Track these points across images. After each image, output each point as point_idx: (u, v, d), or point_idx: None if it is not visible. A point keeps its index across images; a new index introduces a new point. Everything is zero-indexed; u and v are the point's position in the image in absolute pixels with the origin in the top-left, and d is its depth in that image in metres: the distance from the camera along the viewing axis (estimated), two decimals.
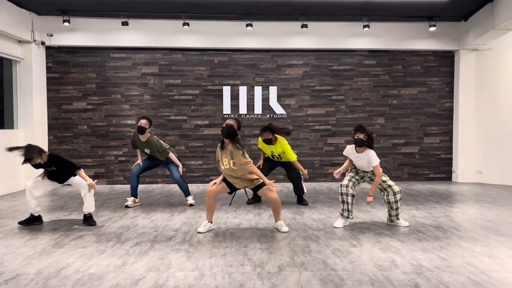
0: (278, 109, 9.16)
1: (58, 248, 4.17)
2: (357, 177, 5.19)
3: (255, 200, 6.65)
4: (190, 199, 6.51)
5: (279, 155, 6.33)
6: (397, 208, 5.11)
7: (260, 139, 6.30)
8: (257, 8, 8.22)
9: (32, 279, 3.34)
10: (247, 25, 8.56)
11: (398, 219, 5.17)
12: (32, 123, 8.26)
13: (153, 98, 9.01)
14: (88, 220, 5.25)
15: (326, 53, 9.24)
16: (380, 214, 5.84)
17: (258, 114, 9.15)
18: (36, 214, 5.21)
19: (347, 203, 5.03)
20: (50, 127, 8.84)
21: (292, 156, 6.28)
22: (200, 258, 3.85)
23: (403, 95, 9.37)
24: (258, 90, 9.12)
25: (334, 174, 5.21)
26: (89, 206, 5.23)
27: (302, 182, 6.52)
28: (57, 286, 3.18)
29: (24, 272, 3.48)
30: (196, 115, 9.10)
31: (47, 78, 8.80)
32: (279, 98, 9.19)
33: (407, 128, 9.39)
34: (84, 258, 3.85)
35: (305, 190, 6.61)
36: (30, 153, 4.85)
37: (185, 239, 4.52)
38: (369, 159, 4.97)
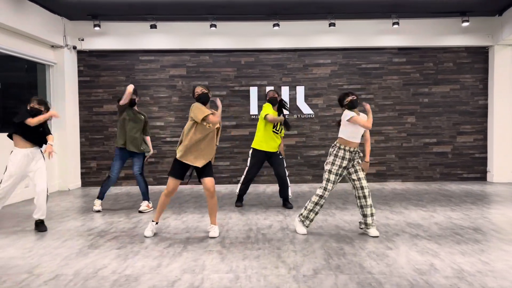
0: (306, 109, 9.08)
1: (94, 249, 4.24)
2: (338, 177, 4.67)
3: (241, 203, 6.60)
4: (144, 205, 6.17)
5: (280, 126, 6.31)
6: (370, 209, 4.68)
7: (266, 105, 6.27)
8: (284, 7, 8.17)
9: (71, 279, 3.39)
10: (274, 25, 8.51)
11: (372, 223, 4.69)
12: (65, 125, 8.46)
13: (181, 99, 9.08)
14: (40, 226, 5.06)
15: (354, 52, 9.10)
16: (414, 215, 5.70)
17: (286, 114, 9.06)
18: None
19: (310, 214, 4.72)
20: (82, 130, 9.03)
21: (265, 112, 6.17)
22: (233, 260, 3.83)
23: (435, 93, 9.13)
24: (285, 90, 9.06)
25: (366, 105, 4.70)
26: (42, 210, 5.00)
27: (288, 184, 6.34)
28: (95, 287, 3.22)
29: (62, 273, 3.55)
30: (224, 116, 9.10)
31: (79, 81, 9.00)
32: (307, 97, 9.11)
33: (439, 126, 9.15)
34: (119, 259, 3.89)
35: (290, 194, 6.39)
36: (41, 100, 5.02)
37: (217, 240, 4.52)
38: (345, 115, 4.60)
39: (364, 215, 4.66)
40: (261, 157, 6.31)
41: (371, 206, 4.64)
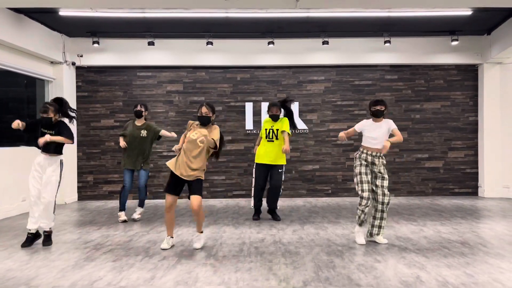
0: (300, 124, 9.24)
1: (90, 262, 4.33)
2: (369, 177, 4.96)
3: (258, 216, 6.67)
4: (137, 212, 6.61)
5: (277, 130, 6.43)
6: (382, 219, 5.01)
7: (265, 119, 6.63)
8: (279, 26, 8.40)
9: None
10: (269, 43, 8.73)
11: (378, 233, 5.06)
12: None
13: (177, 115, 9.24)
14: (47, 238, 5.02)
15: (347, 69, 9.33)
16: (404, 229, 5.82)
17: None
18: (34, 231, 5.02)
19: (361, 218, 5.00)
20: (79, 144, 9.15)
21: (287, 127, 6.46)
22: (226, 273, 3.94)
23: (426, 109, 9.33)
24: None
25: (340, 135, 5.03)
26: (50, 219, 4.99)
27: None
28: None
29: (59, 285, 3.64)
30: (220, 131, 9.26)
31: (77, 96, 9.16)
32: (301, 113, 9.28)
33: (431, 142, 9.32)
34: (115, 272, 3.99)
35: (277, 206, 6.64)
36: (49, 105, 5.01)
37: (210, 253, 4.63)
38: (389, 124, 4.98)
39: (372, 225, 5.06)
40: (261, 169, 6.49)
41: (381, 219, 4.99)
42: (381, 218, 5.00)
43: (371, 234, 5.10)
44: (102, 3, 6.68)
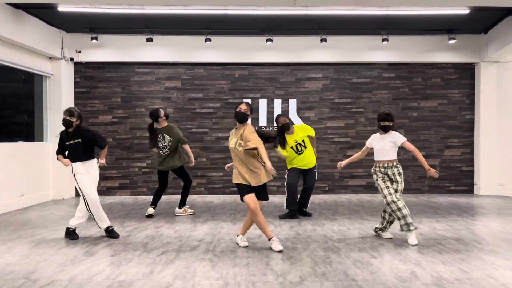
0: (298, 122, 9.27)
1: (89, 256, 4.36)
2: (389, 183, 5.00)
3: (290, 215, 6.50)
4: (187, 209, 6.87)
5: (302, 140, 6.36)
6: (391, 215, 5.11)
7: (288, 137, 6.38)
8: (278, 23, 8.43)
9: (66, 285, 3.52)
10: (267, 40, 8.76)
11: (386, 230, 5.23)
12: None
13: (175, 111, 9.26)
14: (112, 232, 5.23)
15: (345, 67, 9.36)
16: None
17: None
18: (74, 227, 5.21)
19: (406, 215, 4.87)
20: None
21: (312, 131, 6.54)
22: (224, 267, 3.98)
23: (423, 107, 9.39)
24: (278, 103, 9.29)
25: (339, 165, 5.27)
26: (103, 217, 5.21)
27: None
28: None
29: (58, 279, 3.68)
30: (217, 128, 9.31)
31: (75, 92, 9.17)
32: (299, 110, 9.32)
33: (427, 140, 9.39)
34: (113, 266, 4.03)
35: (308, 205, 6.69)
36: (75, 112, 5.14)
37: (208, 248, 4.67)
38: (394, 138, 5.01)
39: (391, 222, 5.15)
40: (296, 171, 6.51)
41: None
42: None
43: (381, 230, 5.22)
44: None
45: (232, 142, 4.65)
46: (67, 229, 5.21)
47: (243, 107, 4.72)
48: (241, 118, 4.68)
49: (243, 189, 4.60)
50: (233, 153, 4.66)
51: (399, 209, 4.85)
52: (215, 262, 4.15)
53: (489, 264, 4.08)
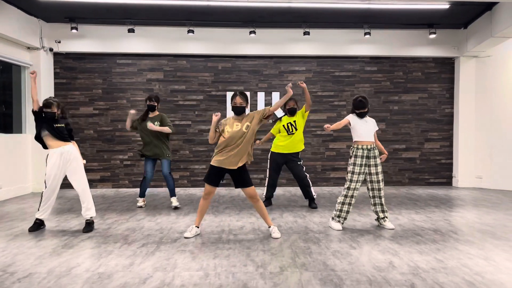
0: (281, 114, 9.28)
1: (68, 249, 4.32)
2: (361, 177, 5.16)
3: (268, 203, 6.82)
4: (174, 201, 6.64)
5: (294, 121, 6.57)
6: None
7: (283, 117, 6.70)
8: (260, 16, 8.40)
9: (44, 277, 3.49)
10: (250, 32, 8.73)
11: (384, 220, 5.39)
12: None
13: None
14: (90, 225, 5.13)
15: (328, 60, 9.41)
16: None
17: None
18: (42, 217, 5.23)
19: (342, 211, 5.20)
20: None
21: (302, 109, 6.64)
22: (204, 259, 3.99)
23: (404, 101, 9.52)
24: (261, 95, 9.29)
25: (326, 127, 5.13)
26: (91, 206, 5.16)
27: (311, 186, 6.72)
28: (68, 284, 3.33)
29: (36, 271, 3.64)
30: (200, 120, 9.28)
31: (55, 83, 9.00)
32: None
33: (408, 133, 9.53)
34: (93, 258, 4.00)
35: (314, 194, 6.75)
36: (53, 100, 5.09)
37: (189, 241, 4.67)
38: (374, 123, 5.38)
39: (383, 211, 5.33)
40: (279, 157, 6.70)
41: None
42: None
43: (383, 220, 5.37)
44: None
45: (233, 127, 4.75)
46: (86, 221, 5.17)
47: (238, 101, 4.81)
48: (239, 112, 4.83)
49: (212, 175, 4.76)
50: (231, 137, 4.71)
51: (343, 204, 5.16)
52: (196, 254, 4.16)
53: (464, 254, 4.18)
